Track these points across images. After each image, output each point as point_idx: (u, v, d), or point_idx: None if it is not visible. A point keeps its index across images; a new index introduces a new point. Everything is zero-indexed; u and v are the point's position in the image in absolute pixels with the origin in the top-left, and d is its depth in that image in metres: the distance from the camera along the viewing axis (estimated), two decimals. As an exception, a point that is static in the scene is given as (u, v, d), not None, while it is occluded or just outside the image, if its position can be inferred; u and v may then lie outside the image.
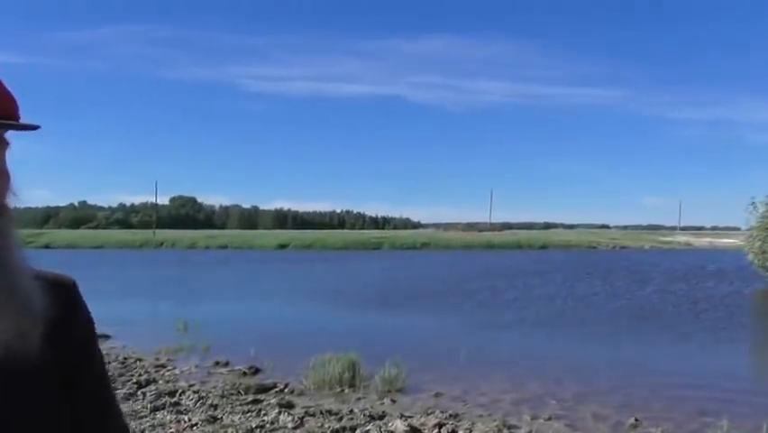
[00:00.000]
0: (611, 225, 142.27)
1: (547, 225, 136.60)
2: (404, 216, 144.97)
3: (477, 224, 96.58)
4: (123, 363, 9.25)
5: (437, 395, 7.90)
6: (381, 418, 6.61)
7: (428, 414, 6.86)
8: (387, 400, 7.54)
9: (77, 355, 0.95)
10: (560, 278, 26.70)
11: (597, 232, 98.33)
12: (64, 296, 0.94)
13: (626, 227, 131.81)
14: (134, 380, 8.04)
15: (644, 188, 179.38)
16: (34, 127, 0.85)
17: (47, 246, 62.71)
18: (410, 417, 6.70)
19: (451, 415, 6.84)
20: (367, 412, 6.72)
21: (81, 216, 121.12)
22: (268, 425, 6.14)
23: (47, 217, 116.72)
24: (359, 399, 7.63)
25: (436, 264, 38.24)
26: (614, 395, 8.02)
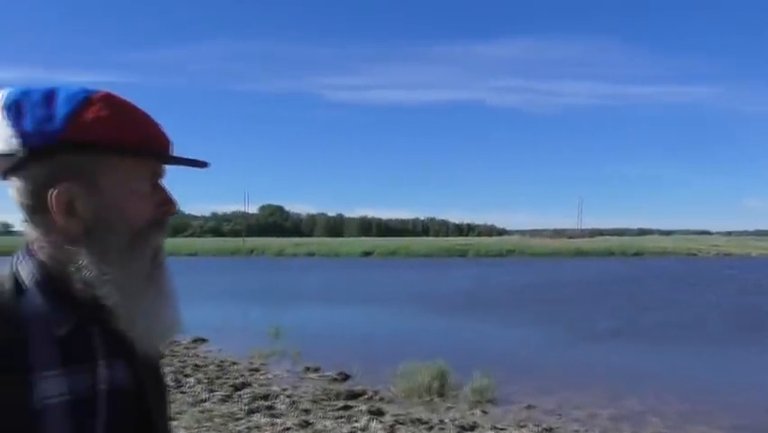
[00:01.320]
0: (712, 230, 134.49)
1: (642, 232, 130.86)
2: (488, 223, 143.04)
3: (565, 230, 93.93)
4: (219, 366, 9.56)
5: (529, 407, 7.65)
6: (472, 429, 6.48)
7: (521, 427, 6.66)
8: (477, 411, 7.38)
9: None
10: (658, 286, 25.42)
11: (696, 238, 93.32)
12: None
13: (729, 233, 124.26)
14: (230, 382, 8.29)
15: (744, 191, 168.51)
16: (203, 164, 0.96)
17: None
18: (502, 429, 6.52)
19: (545, 429, 6.60)
20: (457, 423, 6.60)
21: (178, 225, 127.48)
22: (359, 431, 6.15)
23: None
24: (448, 408, 7.52)
25: (523, 272, 37.42)
26: (724, 416, 7.44)
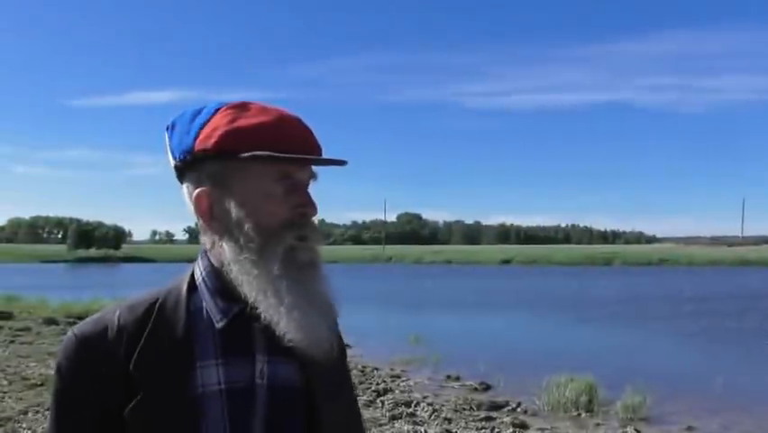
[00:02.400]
0: None
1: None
2: (636, 230, 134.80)
3: (725, 237, 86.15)
4: (362, 371, 9.80)
5: (690, 429, 7.06)
6: (625, 448, 6.09)
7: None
8: (630, 430, 6.93)
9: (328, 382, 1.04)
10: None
11: None
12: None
13: None
14: (373, 388, 8.46)
15: None
16: (341, 162, 0.97)
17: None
18: (659, 450, 6.08)
19: (708, 453, 6.06)
20: (608, 441, 6.24)
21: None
22: (502, 444, 6.02)
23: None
24: (597, 425, 7.14)
25: (679, 282, 34.80)
26: None
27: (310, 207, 0.96)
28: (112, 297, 17.20)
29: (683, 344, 13.54)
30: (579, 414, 7.50)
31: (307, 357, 0.95)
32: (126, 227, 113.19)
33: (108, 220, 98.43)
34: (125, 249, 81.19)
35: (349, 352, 10.65)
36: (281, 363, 0.96)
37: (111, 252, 74.09)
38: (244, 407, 0.93)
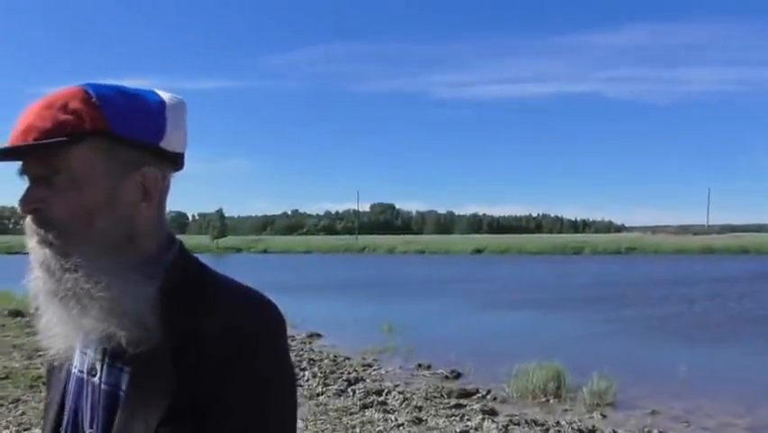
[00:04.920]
0: None
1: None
2: (605, 219, 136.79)
3: (691, 226, 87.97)
4: (333, 360, 9.82)
5: (654, 413, 7.23)
6: (591, 433, 6.21)
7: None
8: (596, 415, 7.08)
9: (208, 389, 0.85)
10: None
11: None
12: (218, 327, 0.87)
13: None
14: (344, 377, 8.48)
15: None
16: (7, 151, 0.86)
17: (265, 251, 69.61)
18: (624, 434, 6.21)
19: (672, 436, 6.21)
20: (575, 426, 6.35)
21: (293, 224, 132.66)
22: (472, 430, 6.08)
23: (264, 225, 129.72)
24: (565, 411, 7.26)
25: (646, 270, 35.47)
26: None
27: (21, 202, 0.88)
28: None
29: (650, 329, 13.81)
30: (547, 400, 7.63)
31: (137, 359, 0.87)
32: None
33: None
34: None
35: (321, 342, 10.61)
36: (107, 361, 0.92)
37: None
38: (81, 395, 0.95)
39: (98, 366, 0.93)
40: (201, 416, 0.84)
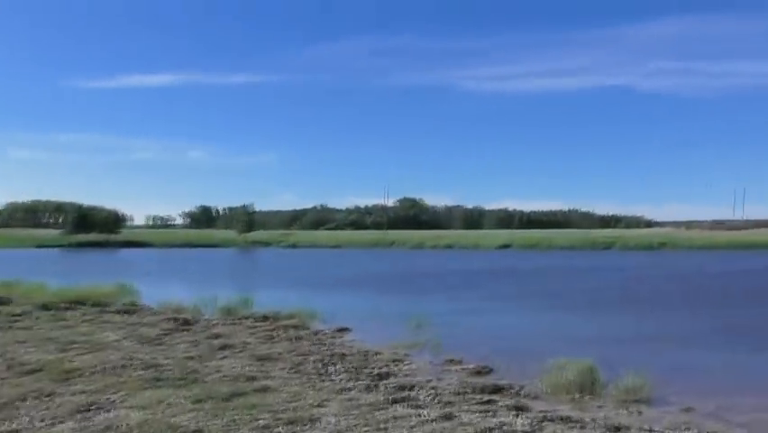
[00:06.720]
0: None
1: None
2: (636, 215, 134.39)
3: (724, 221, 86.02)
4: (364, 355, 9.81)
5: (688, 410, 7.10)
6: (624, 429, 6.10)
7: (678, 429, 6.19)
8: (630, 411, 6.97)
9: None
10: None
11: None
12: None
13: None
14: (375, 372, 8.47)
15: None
16: None
17: (293, 246, 69.99)
18: (658, 432, 6.09)
19: (707, 433, 6.08)
20: (608, 422, 6.26)
21: (322, 218, 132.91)
22: (504, 426, 6.01)
23: (293, 219, 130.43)
24: (598, 407, 7.17)
25: (679, 265, 34.83)
26: None
27: None
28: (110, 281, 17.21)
29: (682, 325, 13.56)
30: (580, 396, 7.52)
31: None
32: (125, 212, 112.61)
33: (107, 204, 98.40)
34: (124, 233, 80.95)
35: (350, 336, 10.63)
36: None
37: (109, 236, 73.91)
38: None
39: None
40: None
